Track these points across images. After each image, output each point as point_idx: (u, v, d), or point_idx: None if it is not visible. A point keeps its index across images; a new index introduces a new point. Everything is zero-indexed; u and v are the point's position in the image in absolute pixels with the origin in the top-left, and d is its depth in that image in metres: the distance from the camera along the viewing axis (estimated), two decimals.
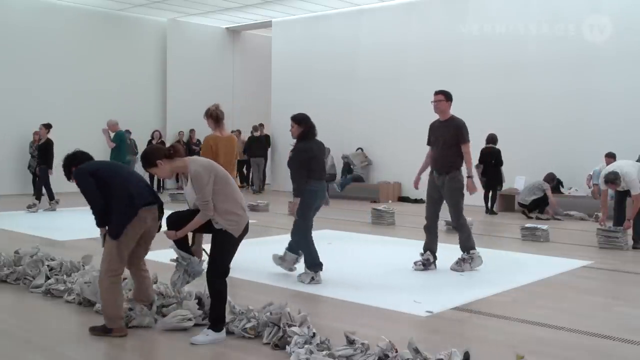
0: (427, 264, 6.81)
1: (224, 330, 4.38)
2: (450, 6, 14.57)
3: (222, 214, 4.27)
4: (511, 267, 7.29)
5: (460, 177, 6.77)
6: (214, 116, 6.59)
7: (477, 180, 7.97)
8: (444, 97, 6.79)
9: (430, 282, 6.34)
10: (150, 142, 16.50)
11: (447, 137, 6.75)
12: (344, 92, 16.24)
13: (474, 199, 12.56)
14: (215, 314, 4.36)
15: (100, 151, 16.12)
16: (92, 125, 16.03)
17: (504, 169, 12.47)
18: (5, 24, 15.20)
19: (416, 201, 14.40)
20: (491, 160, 12.28)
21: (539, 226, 9.17)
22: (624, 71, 12.07)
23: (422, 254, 6.90)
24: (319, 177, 6.25)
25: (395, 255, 7.48)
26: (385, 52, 15.49)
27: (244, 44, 19.85)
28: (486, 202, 12.51)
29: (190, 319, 4.61)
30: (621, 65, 12.10)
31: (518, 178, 12.96)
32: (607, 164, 10.25)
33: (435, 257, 6.89)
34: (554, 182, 12.11)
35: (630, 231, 8.49)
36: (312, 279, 6.19)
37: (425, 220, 6.95)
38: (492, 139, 12.39)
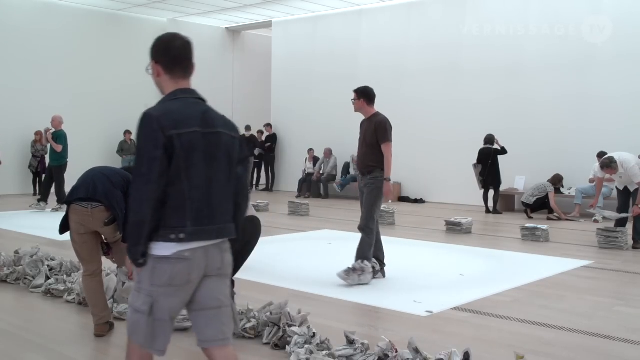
0: (374, 272, 6.28)
1: None
2: (450, 7, 14.55)
3: None
4: (511, 267, 7.30)
5: (382, 178, 6.23)
6: None
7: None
8: (356, 95, 6.47)
9: (430, 282, 6.34)
10: None
11: (368, 135, 6.30)
12: (344, 92, 16.09)
13: (473, 199, 12.75)
14: None
15: (99, 151, 16.33)
16: (92, 125, 16.07)
17: (500, 169, 12.49)
18: (5, 24, 15.19)
19: (416, 201, 14.42)
20: (488, 161, 12.32)
21: (539, 226, 9.17)
22: (623, 72, 12.06)
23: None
24: None
25: (395, 255, 7.46)
26: (385, 53, 15.47)
27: (244, 44, 19.85)
28: (486, 202, 12.54)
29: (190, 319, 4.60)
30: (621, 66, 12.09)
31: (518, 178, 12.98)
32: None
33: (383, 264, 6.44)
34: (561, 184, 12.12)
35: (630, 231, 8.50)
36: None
37: None
38: (489, 139, 12.45)
